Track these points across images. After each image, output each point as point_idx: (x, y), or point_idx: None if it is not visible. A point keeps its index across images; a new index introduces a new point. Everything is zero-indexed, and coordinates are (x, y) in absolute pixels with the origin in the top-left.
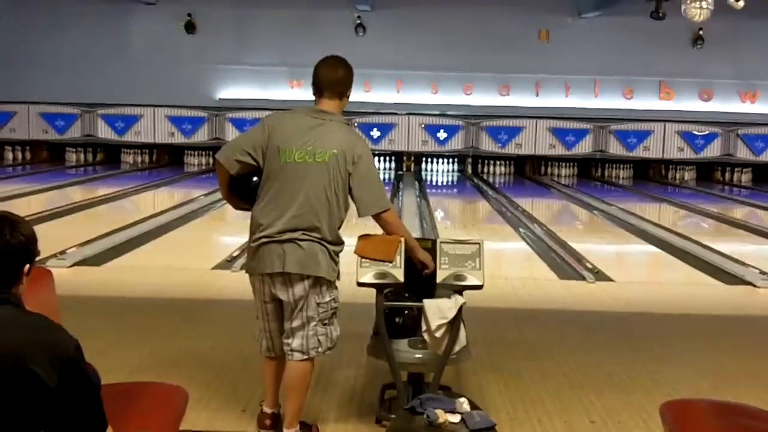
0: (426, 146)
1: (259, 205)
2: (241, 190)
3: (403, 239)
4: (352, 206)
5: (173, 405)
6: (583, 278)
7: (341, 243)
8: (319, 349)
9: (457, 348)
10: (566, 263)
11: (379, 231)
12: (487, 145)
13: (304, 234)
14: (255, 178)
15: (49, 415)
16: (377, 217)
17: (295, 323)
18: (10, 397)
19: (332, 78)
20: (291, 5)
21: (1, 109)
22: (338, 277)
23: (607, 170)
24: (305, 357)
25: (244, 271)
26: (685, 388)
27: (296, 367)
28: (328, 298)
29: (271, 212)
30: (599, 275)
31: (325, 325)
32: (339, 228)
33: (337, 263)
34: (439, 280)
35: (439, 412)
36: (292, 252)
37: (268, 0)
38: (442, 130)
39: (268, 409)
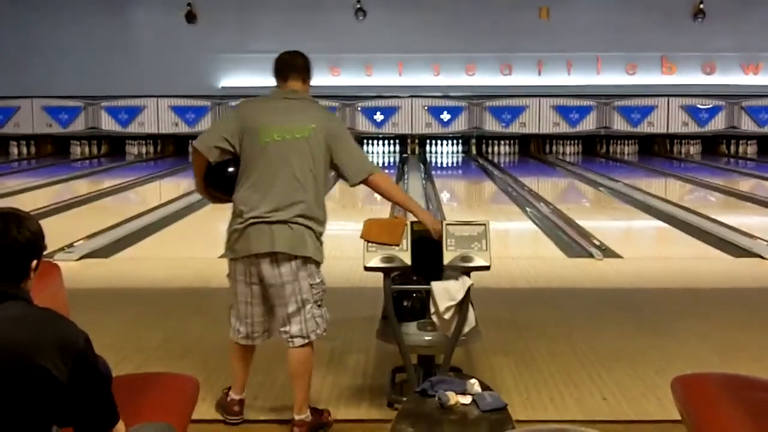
0: (430, 128)
1: (242, 188)
2: (218, 179)
3: (408, 222)
4: (356, 190)
5: (185, 395)
6: (591, 255)
7: (324, 222)
8: (318, 331)
9: (466, 329)
10: (573, 241)
11: (383, 215)
12: (491, 125)
13: (290, 211)
14: (231, 168)
15: (60, 410)
16: (368, 182)
17: (291, 308)
18: (21, 392)
19: (295, 62)
20: None
21: (4, 105)
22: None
23: (612, 147)
24: (306, 341)
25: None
26: (696, 362)
27: (298, 353)
28: (318, 280)
29: (255, 193)
30: (607, 252)
31: (319, 306)
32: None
33: (322, 244)
34: (446, 261)
35: (451, 394)
36: (281, 232)
37: None
38: (445, 112)
39: (236, 396)
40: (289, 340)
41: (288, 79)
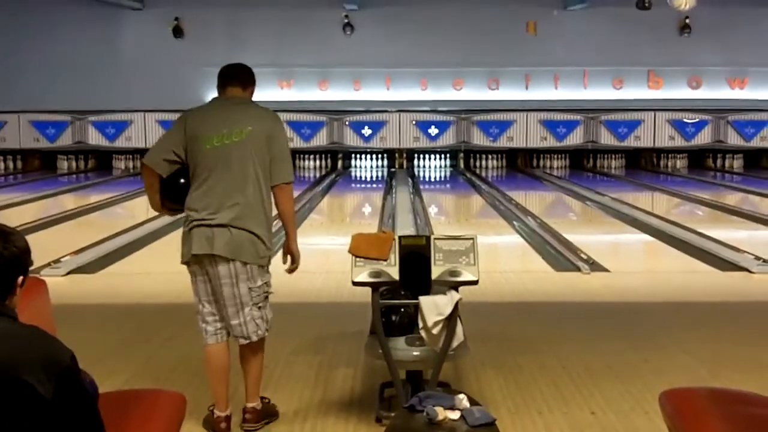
0: (417, 143)
1: (190, 194)
2: (172, 192)
3: (396, 237)
4: (344, 206)
5: (172, 412)
6: (579, 269)
7: (267, 223)
8: (259, 332)
9: (454, 344)
10: (561, 255)
11: (372, 230)
12: (479, 139)
13: (228, 213)
14: (182, 180)
15: (45, 427)
16: (278, 188)
17: (230, 310)
18: (5, 409)
19: (233, 72)
20: (278, 6)
21: None
22: (269, 262)
23: (599, 161)
24: (248, 341)
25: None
26: (684, 376)
27: (246, 349)
28: (260, 282)
29: (202, 198)
30: (594, 266)
31: (260, 308)
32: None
33: (267, 248)
34: (434, 276)
35: (439, 409)
36: (221, 236)
37: (256, 2)
38: (433, 126)
39: (221, 413)
40: (234, 338)
41: (226, 88)
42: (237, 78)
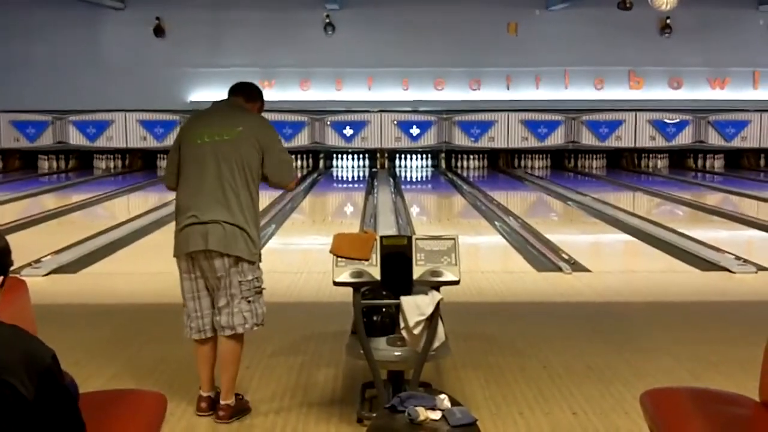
0: (399, 143)
1: (180, 189)
2: None
3: (378, 237)
4: (326, 205)
5: (152, 412)
6: (560, 269)
7: (255, 221)
8: (246, 326)
9: (436, 344)
10: (542, 255)
11: (353, 230)
12: (460, 139)
13: (219, 210)
14: None
15: (27, 427)
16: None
17: (221, 302)
18: None
19: (243, 84)
20: (260, 6)
21: None
22: (260, 259)
23: (580, 161)
24: (233, 333)
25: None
26: (665, 376)
27: (228, 342)
28: (250, 277)
29: (189, 193)
30: (576, 266)
31: (249, 302)
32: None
33: (255, 245)
34: (415, 276)
35: (420, 409)
36: (215, 231)
37: (238, 2)
38: (414, 127)
39: (204, 393)
40: (220, 329)
41: (230, 97)
42: (242, 90)
